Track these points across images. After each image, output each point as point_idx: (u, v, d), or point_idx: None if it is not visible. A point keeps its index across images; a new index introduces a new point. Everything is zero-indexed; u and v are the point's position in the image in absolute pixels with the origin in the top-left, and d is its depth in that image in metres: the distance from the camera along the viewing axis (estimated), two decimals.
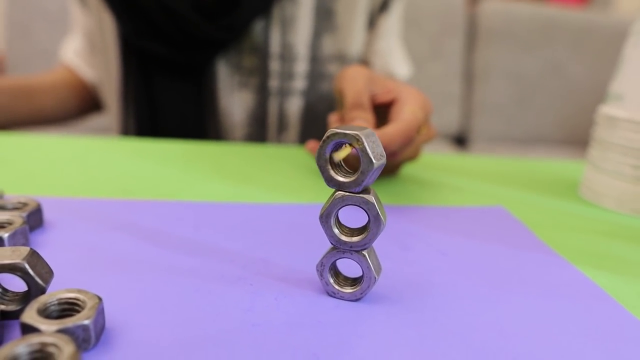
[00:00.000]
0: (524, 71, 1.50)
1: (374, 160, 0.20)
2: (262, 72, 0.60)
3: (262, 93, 0.61)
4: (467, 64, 1.53)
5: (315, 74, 0.62)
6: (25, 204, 0.28)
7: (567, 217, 0.37)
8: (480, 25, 1.49)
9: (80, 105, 0.70)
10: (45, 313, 0.18)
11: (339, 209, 0.22)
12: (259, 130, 0.62)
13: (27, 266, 0.19)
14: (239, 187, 0.37)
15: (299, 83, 0.62)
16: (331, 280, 0.23)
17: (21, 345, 0.16)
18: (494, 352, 0.19)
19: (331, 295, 0.23)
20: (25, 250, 0.20)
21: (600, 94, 1.57)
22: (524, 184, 0.45)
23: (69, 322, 0.17)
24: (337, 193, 0.21)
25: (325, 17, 0.61)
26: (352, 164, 0.33)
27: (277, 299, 0.22)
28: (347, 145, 0.20)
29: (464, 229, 0.32)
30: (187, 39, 0.56)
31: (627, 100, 0.39)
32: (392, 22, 0.67)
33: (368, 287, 0.22)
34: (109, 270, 0.24)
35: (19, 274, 0.19)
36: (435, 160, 0.50)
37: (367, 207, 0.21)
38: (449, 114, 1.49)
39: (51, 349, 0.16)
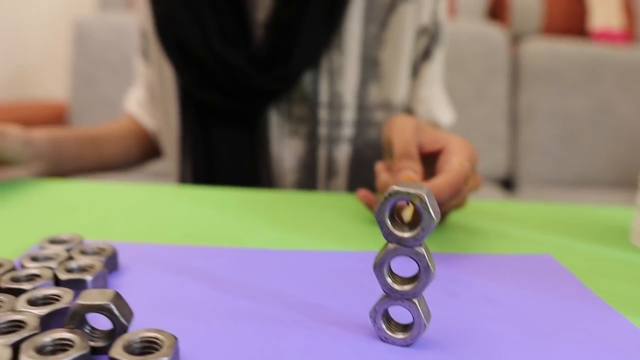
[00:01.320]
0: (570, 111, 1.49)
1: (434, 218, 0.22)
2: (311, 121, 0.63)
3: (312, 140, 0.63)
4: (512, 106, 1.53)
5: (363, 121, 0.64)
6: (103, 249, 0.31)
7: (615, 265, 0.37)
8: (523, 66, 1.50)
9: (142, 152, 0.75)
10: (129, 350, 0.21)
11: (391, 258, 0.23)
12: (308, 177, 0.65)
13: (113, 307, 0.22)
14: (292, 234, 0.39)
15: (347, 130, 0.64)
16: (383, 326, 0.24)
17: None
18: None
19: (383, 341, 0.24)
20: (110, 292, 0.23)
21: None
22: (571, 231, 0.45)
23: (151, 359, 0.20)
24: (389, 245, 0.23)
25: (371, 67, 0.64)
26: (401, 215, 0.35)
27: (333, 343, 0.24)
28: (409, 203, 0.22)
29: (511, 277, 0.33)
30: (242, 89, 0.60)
31: None
32: (434, 70, 0.70)
33: (418, 333, 0.24)
34: (179, 312, 0.26)
35: (106, 313, 0.22)
36: (481, 207, 0.51)
37: (418, 258, 0.23)
38: (495, 157, 1.48)
39: None
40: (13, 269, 0.28)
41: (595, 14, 1.53)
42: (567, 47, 1.50)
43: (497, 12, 1.63)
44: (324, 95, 0.62)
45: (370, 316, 0.24)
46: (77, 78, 1.48)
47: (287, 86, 0.60)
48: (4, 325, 0.22)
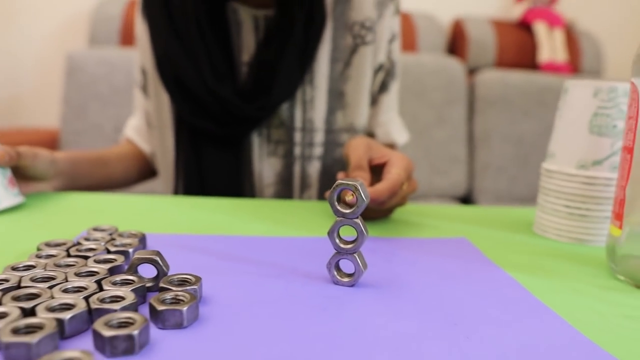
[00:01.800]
0: (522, 134, 1.65)
1: (365, 200, 0.34)
2: (288, 142, 0.75)
3: (288, 159, 0.76)
4: (470, 129, 1.68)
5: (331, 142, 0.77)
6: (134, 234, 0.42)
7: (519, 245, 0.50)
8: (479, 94, 1.66)
9: (140, 172, 0.86)
10: (172, 283, 0.32)
11: (339, 227, 0.35)
12: (286, 189, 0.77)
13: (158, 259, 0.34)
14: (273, 227, 0.51)
15: (318, 150, 0.76)
16: (335, 274, 0.36)
17: (169, 293, 0.30)
18: (439, 317, 0.33)
19: (335, 284, 0.36)
20: (154, 250, 0.34)
21: None
22: (489, 224, 0.58)
23: (187, 287, 0.31)
24: (337, 218, 0.35)
25: (337, 98, 0.76)
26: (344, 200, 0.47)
27: (302, 285, 0.36)
28: (349, 191, 0.35)
29: (432, 250, 0.45)
30: (230, 117, 0.72)
31: (557, 157, 0.53)
32: (391, 99, 0.83)
33: (358, 277, 0.36)
34: (199, 269, 0.38)
35: (153, 263, 0.33)
36: (420, 209, 0.63)
37: (356, 225, 0.35)
38: (455, 176, 1.62)
39: (182, 297, 0.30)
40: (74, 245, 0.39)
41: (543, 49, 1.71)
42: (517, 77, 1.66)
43: (455, 47, 1.79)
44: (298, 121, 0.75)
45: (327, 268, 0.37)
46: (68, 107, 1.57)
47: (268, 114, 0.72)
48: (84, 273, 0.33)
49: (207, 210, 0.57)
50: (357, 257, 0.36)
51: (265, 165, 0.75)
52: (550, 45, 1.72)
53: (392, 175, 0.51)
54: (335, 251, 0.36)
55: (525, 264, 0.44)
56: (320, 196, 0.78)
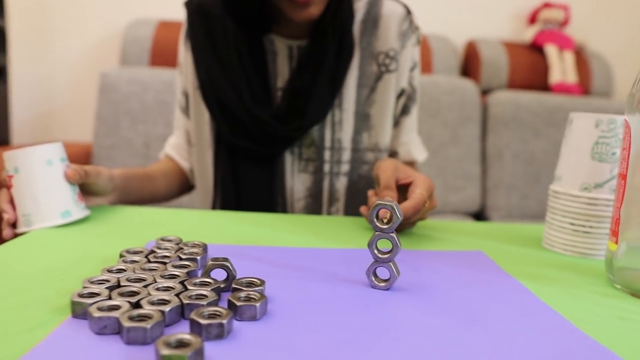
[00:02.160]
0: (533, 152, 1.70)
1: (399, 218, 0.41)
2: (317, 160, 0.82)
3: (318, 175, 0.83)
4: (483, 148, 1.74)
5: (357, 160, 0.84)
6: (197, 244, 0.50)
7: (529, 257, 0.56)
8: (492, 114, 1.72)
9: (180, 187, 0.93)
10: (242, 285, 0.39)
11: (377, 240, 0.42)
12: (315, 202, 0.84)
13: (229, 264, 0.41)
14: (313, 240, 0.58)
15: (345, 167, 0.83)
16: (373, 279, 0.43)
17: (242, 292, 0.37)
18: (461, 315, 0.39)
19: (373, 287, 0.43)
20: (224, 257, 0.41)
21: None
22: (502, 239, 0.64)
23: (255, 288, 0.38)
24: (376, 232, 0.42)
25: (363, 120, 0.84)
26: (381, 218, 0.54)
27: (346, 288, 0.43)
28: (387, 210, 0.42)
29: (452, 262, 0.52)
30: (266, 137, 0.79)
31: (563, 180, 0.59)
32: (412, 121, 0.90)
33: (392, 283, 0.43)
34: (257, 273, 0.45)
35: (224, 268, 0.41)
36: (439, 224, 0.70)
37: (391, 239, 0.42)
38: (468, 193, 1.68)
39: (253, 296, 0.37)
40: (150, 252, 0.47)
41: (554, 71, 1.77)
42: (529, 98, 1.73)
43: (468, 68, 1.86)
44: (327, 141, 0.82)
45: (366, 274, 0.44)
46: (100, 123, 1.66)
47: (301, 135, 0.80)
48: (167, 276, 0.41)
49: (250, 223, 0.64)
50: (392, 265, 0.43)
51: (296, 180, 0.82)
52: (561, 67, 1.78)
53: (417, 195, 0.58)
54: (374, 260, 0.43)
55: (535, 274, 0.51)
56: (347, 209, 0.85)
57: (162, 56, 1.75)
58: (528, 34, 1.86)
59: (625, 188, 0.47)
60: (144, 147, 1.64)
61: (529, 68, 1.81)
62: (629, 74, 2.00)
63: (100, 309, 0.33)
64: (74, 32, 1.88)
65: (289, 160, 0.82)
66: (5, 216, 0.60)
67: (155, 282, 0.39)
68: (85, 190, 0.68)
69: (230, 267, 0.41)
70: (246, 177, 0.82)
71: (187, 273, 0.41)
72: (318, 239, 0.59)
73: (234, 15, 0.79)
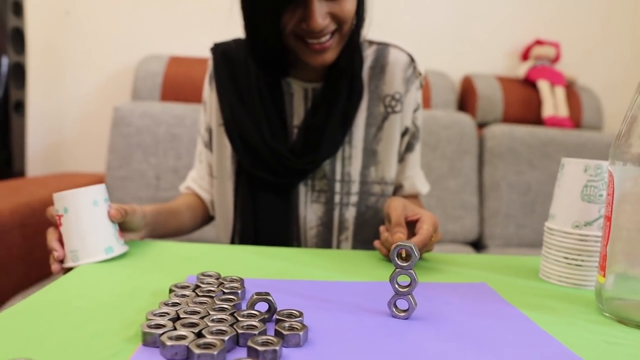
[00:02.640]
0: (528, 183, 1.78)
1: (417, 257, 0.48)
2: (329, 191, 0.89)
3: (329, 205, 0.89)
4: (480, 179, 1.82)
5: (365, 192, 0.91)
6: (235, 279, 0.56)
7: (528, 288, 0.63)
8: (488, 147, 1.80)
9: (203, 219, 1.00)
10: (284, 316, 0.45)
11: (398, 275, 0.49)
12: (326, 230, 0.90)
13: (271, 297, 0.47)
14: (333, 273, 0.65)
15: (353, 198, 0.90)
16: (394, 309, 0.50)
17: (286, 323, 0.43)
18: (471, 340, 0.46)
19: (394, 317, 0.50)
20: (266, 292, 0.48)
21: None
22: (502, 270, 0.71)
23: (296, 318, 0.45)
24: (397, 269, 0.49)
25: (371, 156, 0.91)
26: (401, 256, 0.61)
27: (370, 317, 0.49)
28: (405, 250, 0.48)
29: (460, 293, 0.59)
30: (283, 169, 0.86)
31: (557, 218, 0.66)
32: (415, 157, 0.97)
33: (411, 313, 0.49)
34: (290, 305, 0.51)
35: (267, 301, 0.47)
36: (444, 257, 0.77)
37: (410, 275, 0.49)
38: (466, 222, 1.75)
39: (295, 326, 0.43)
40: (196, 287, 0.53)
41: (546, 105, 1.86)
42: (523, 131, 1.81)
43: (465, 103, 1.95)
44: (338, 174, 0.90)
45: (387, 305, 0.50)
46: (113, 155, 1.72)
47: (315, 168, 0.87)
48: (217, 308, 0.47)
49: (274, 258, 0.71)
50: (411, 297, 0.49)
51: (309, 210, 0.89)
52: (552, 102, 1.87)
53: (424, 230, 0.66)
54: (394, 293, 0.50)
55: (534, 303, 0.57)
56: (355, 237, 0.91)
57: (172, 91, 1.83)
58: (521, 70, 1.96)
59: (611, 228, 0.54)
60: (155, 179, 1.71)
61: (523, 102, 1.90)
62: (618, 107, 2.10)
63: (170, 339, 0.40)
64: (88, 67, 1.96)
65: (303, 191, 0.89)
66: (55, 254, 0.66)
67: (209, 314, 0.45)
68: (122, 227, 0.74)
69: (272, 300, 0.47)
70: (264, 206, 0.88)
71: (234, 306, 0.48)
72: (339, 272, 0.65)
73: (257, 60, 0.87)
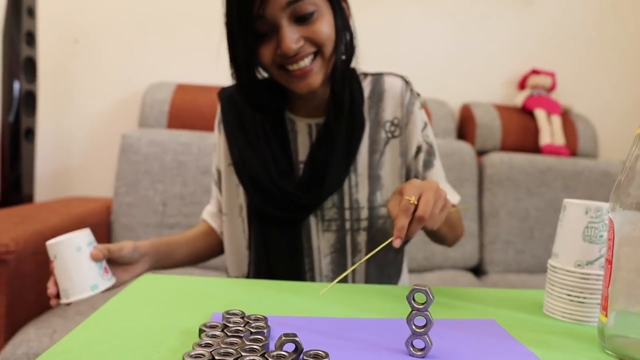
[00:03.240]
0: (526, 210, 1.83)
1: (432, 299, 0.51)
2: (339, 219, 0.92)
3: (340, 232, 0.92)
4: (480, 206, 1.86)
5: (373, 216, 0.93)
6: (260, 318, 0.59)
7: (533, 324, 0.67)
8: (487, 174, 1.85)
9: (218, 247, 1.04)
10: (310, 356, 0.49)
11: (415, 317, 0.53)
12: (339, 256, 0.93)
13: (298, 339, 0.50)
14: (347, 308, 0.68)
15: (363, 223, 0.93)
16: (411, 349, 0.53)
17: None
18: None
19: (411, 355, 0.53)
20: (293, 333, 0.51)
21: None
22: (508, 305, 0.75)
23: (324, 359, 0.48)
24: (413, 311, 0.52)
25: (376, 181, 0.93)
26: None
27: (389, 356, 0.52)
28: (420, 292, 0.52)
29: (471, 330, 0.62)
30: (291, 205, 0.90)
31: (560, 257, 0.70)
32: (437, 172, 0.98)
33: (427, 352, 0.53)
34: (312, 344, 0.54)
35: (294, 342, 0.50)
36: (451, 292, 0.80)
37: (426, 316, 0.52)
38: (467, 249, 1.79)
39: None
40: (224, 327, 0.56)
41: (543, 134, 1.92)
42: (521, 159, 1.86)
43: (464, 131, 2.00)
44: (347, 202, 0.92)
45: (405, 344, 0.53)
46: (121, 182, 1.76)
47: (321, 202, 0.91)
48: (247, 349, 0.50)
49: (289, 293, 0.74)
50: (427, 337, 0.53)
51: (321, 240, 0.93)
52: (549, 130, 1.93)
53: (402, 204, 0.69)
54: (411, 333, 0.53)
55: (540, 340, 0.61)
56: (368, 259, 0.93)
57: (179, 118, 1.88)
58: (518, 99, 2.02)
59: (612, 271, 0.58)
60: (162, 206, 1.74)
61: (521, 130, 1.96)
62: (613, 135, 2.16)
63: None
64: (96, 94, 2.01)
65: (314, 223, 0.92)
66: (48, 291, 0.79)
67: (241, 355, 0.49)
68: (115, 262, 0.83)
69: (299, 341, 0.51)
70: (275, 241, 0.92)
71: (262, 346, 0.51)
72: (356, 308, 0.69)
73: (252, 103, 0.91)
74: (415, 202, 0.69)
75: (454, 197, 1.00)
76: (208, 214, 1.05)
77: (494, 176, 1.83)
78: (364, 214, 0.93)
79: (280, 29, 0.79)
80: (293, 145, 0.94)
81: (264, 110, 0.92)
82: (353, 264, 0.94)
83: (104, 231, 1.72)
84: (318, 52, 0.83)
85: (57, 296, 0.80)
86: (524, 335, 0.62)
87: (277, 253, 0.92)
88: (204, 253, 1.02)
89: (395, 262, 0.99)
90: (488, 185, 1.84)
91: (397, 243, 0.68)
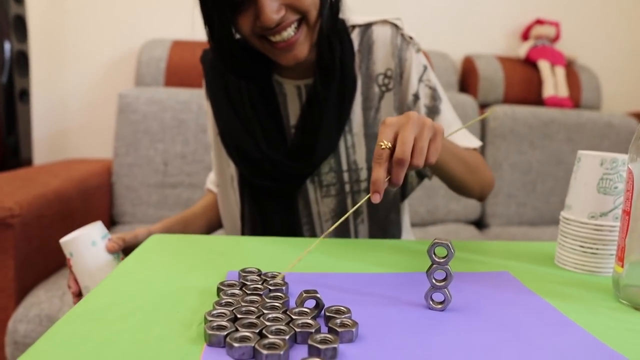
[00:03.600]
0: (529, 163, 1.82)
1: (454, 253, 0.51)
2: (338, 183, 0.89)
3: (340, 196, 0.89)
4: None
5: None
6: (276, 274, 0.59)
7: (548, 276, 0.67)
8: (490, 127, 1.84)
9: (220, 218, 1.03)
10: (332, 312, 0.49)
11: (435, 271, 0.52)
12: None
13: (319, 295, 0.50)
14: (365, 264, 0.68)
15: (363, 184, 0.89)
16: (430, 302, 0.53)
17: (337, 320, 0.47)
18: (503, 330, 0.50)
19: (430, 309, 0.53)
20: (314, 290, 0.51)
21: None
22: (520, 258, 0.75)
23: (345, 315, 0.48)
24: (433, 265, 0.52)
25: (373, 139, 0.89)
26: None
27: (409, 310, 0.53)
28: (442, 245, 0.52)
29: (487, 282, 0.62)
30: (282, 175, 0.86)
31: (573, 209, 0.70)
32: (445, 118, 0.89)
33: (447, 305, 0.53)
34: (331, 299, 0.54)
35: (315, 298, 0.50)
36: (464, 245, 0.81)
37: (446, 270, 0.52)
38: (470, 202, 1.79)
39: (347, 322, 0.47)
40: (242, 285, 0.56)
41: (547, 86, 1.89)
42: (524, 111, 1.84)
43: (466, 84, 1.97)
44: (344, 165, 0.88)
45: (424, 298, 0.54)
46: (120, 142, 1.74)
47: (313, 171, 0.86)
48: (268, 306, 0.50)
49: (299, 248, 0.74)
50: (447, 291, 0.53)
51: (321, 205, 0.90)
52: (553, 82, 1.90)
53: (375, 151, 0.59)
54: (430, 286, 0.53)
55: (555, 291, 0.61)
56: (370, 219, 0.92)
57: (177, 76, 1.84)
58: (522, 50, 1.98)
59: (629, 222, 0.57)
60: (163, 165, 1.73)
61: (524, 82, 1.93)
62: (616, 86, 2.13)
63: (236, 340, 0.43)
64: (89, 53, 1.96)
65: (312, 189, 0.89)
66: (70, 290, 0.78)
67: (263, 313, 0.49)
68: (130, 250, 0.80)
69: (320, 298, 0.51)
70: (271, 212, 0.89)
71: (283, 303, 0.51)
72: (368, 263, 0.69)
73: (233, 69, 0.85)
74: (389, 145, 0.58)
75: (471, 142, 0.92)
76: (212, 182, 1.04)
77: (497, 129, 1.82)
78: (363, 174, 0.89)
79: None
80: (283, 110, 0.89)
81: (247, 75, 0.87)
82: (356, 226, 0.92)
83: (105, 193, 1.71)
84: (302, 19, 0.77)
85: (79, 294, 0.79)
86: (538, 287, 0.62)
87: (273, 224, 0.89)
88: (215, 223, 1.01)
89: (397, 221, 0.97)
90: (491, 138, 1.83)
91: (375, 198, 0.58)
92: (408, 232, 1.03)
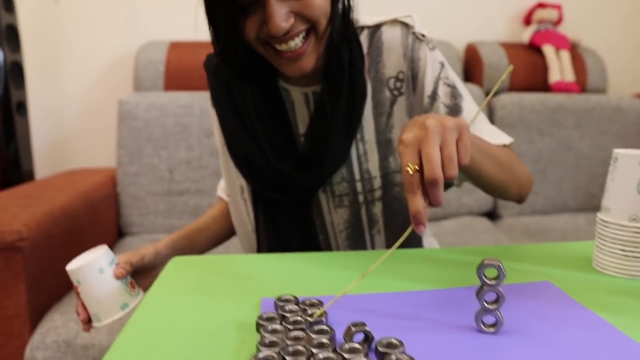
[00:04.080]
0: (538, 151, 1.80)
1: (505, 275, 0.49)
2: (351, 193, 0.84)
3: (354, 206, 0.85)
4: None
5: (387, 184, 0.85)
6: (315, 303, 0.57)
7: (589, 283, 0.65)
8: (497, 116, 1.81)
9: (232, 228, 1.00)
10: (384, 346, 0.46)
11: (485, 293, 0.50)
12: (356, 231, 0.87)
13: (367, 327, 0.48)
14: (399, 281, 0.66)
15: (377, 193, 0.85)
16: (481, 325, 0.51)
17: (394, 355, 0.44)
18: (556, 349, 0.47)
19: (481, 332, 0.51)
20: (362, 323, 0.49)
21: (604, 163, 1.85)
22: (555, 263, 0.73)
23: (399, 349, 0.46)
24: (484, 287, 0.50)
25: (386, 146, 0.85)
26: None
27: (460, 333, 0.50)
28: (492, 267, 0.49)
29: (532, 295, 0.60)
30: (291, 188, 0.83)
31: (612, 211, 0.68)
32: (469, 116, 0.82)
33: (500, 327, 0.51)
34: (377, 327, 0.52)
35: (363, 331, 0.48)
36: (499, 251, 0.78)
37: (498, 292, 0.50)
38: (482, 194, 1.77)
39: (402, 357, 0.44)
40: (282, 318, 0.54)
41: (553, 71, 1.86)
42: (531, 98, 1.82)
43: (470, 72, 1.94)
44: (357, 174, 0.84)
45: (475, 321, 0.51)
46: (123, 150, 1.70)
47: (323, 183, 0.83)
48: (316, 344, 0.48)
49: (334, 266, 0.71)
50: (499, 313, 0.50)
51: (334, 216, 0.86)
52: (559, 66, 1.87)
53: (403, 180, 0.54)
54: (481, 308, 0.51)
55: (603, 302, 0.59)
56: (387, 228, 0.88)
57: (176, 79, 1.80)
58: (525, 35, 1.95)
59: None
60: (168, 172, 1.70)
61: (529, 68, 1.90)
62: (622, 68, 2.10)
63: None
64: (85, 58, 1.91)
65: (324, 200, 0.85)
66: (79, 317, 0.76)
67: (313, 353, 0.46)
68: (139, 271, 0.79)
69: (369, 331, 0.48)
70: (284, 225, 0.86)
71: (330, 338, 0.48)
72: (403, 279, 0.66)
73: (237, 73, 0.81)
74: (416, 168, 0.53)
75: (499, 138, 0.85)
76: (223, 190, 1.01)
77: (505, 118, 1.79)
78: (377, 183, 0.84)
79: (267, 3, 0.67)
80: (291, 117, 0.84)
81: (252, 80, 0.82)
82: (372, 237, 0.88)
83: (111, 204, 1.68)
84: (310, 28, 0.73)
85: (89, 321, 0.77)
86: (584, 298, 0.60)
87: (289, 235, 0.86)
88: (225, 233, 0.98)
89: (416, 235, 0.93)
90: (499, 127, 1.77)
91: (419, 230, 0.53)
92: (429, 237, 1.00)
